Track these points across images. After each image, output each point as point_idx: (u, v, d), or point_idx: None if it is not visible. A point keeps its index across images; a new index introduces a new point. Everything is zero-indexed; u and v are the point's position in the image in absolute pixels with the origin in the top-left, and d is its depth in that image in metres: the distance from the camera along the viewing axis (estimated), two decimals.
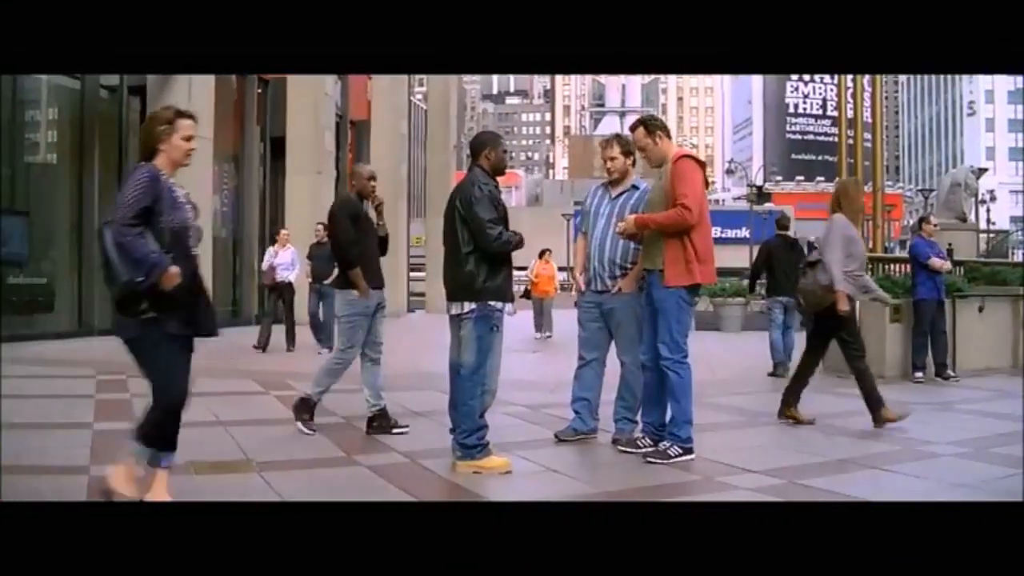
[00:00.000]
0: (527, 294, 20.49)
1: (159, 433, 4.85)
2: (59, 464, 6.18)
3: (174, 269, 4.56)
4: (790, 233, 13.88)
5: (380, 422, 7.58)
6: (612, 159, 7.32)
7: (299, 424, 7.55)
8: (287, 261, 15.71)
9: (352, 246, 7.63)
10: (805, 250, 11.97)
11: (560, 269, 21.26)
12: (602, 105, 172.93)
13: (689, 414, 6.67)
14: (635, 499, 5.62)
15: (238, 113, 23.53)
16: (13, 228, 16.35)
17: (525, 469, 6.36)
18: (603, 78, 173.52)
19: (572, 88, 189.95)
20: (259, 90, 24.41)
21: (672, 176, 6.67)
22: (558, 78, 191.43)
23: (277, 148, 24.68)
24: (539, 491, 5.90)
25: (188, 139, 4.87)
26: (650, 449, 6.76)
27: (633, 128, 7.07)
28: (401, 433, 7.47)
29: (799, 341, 10.63)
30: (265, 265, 16.24)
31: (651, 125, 6.98)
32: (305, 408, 7.65)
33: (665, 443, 6.67)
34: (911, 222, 53.43)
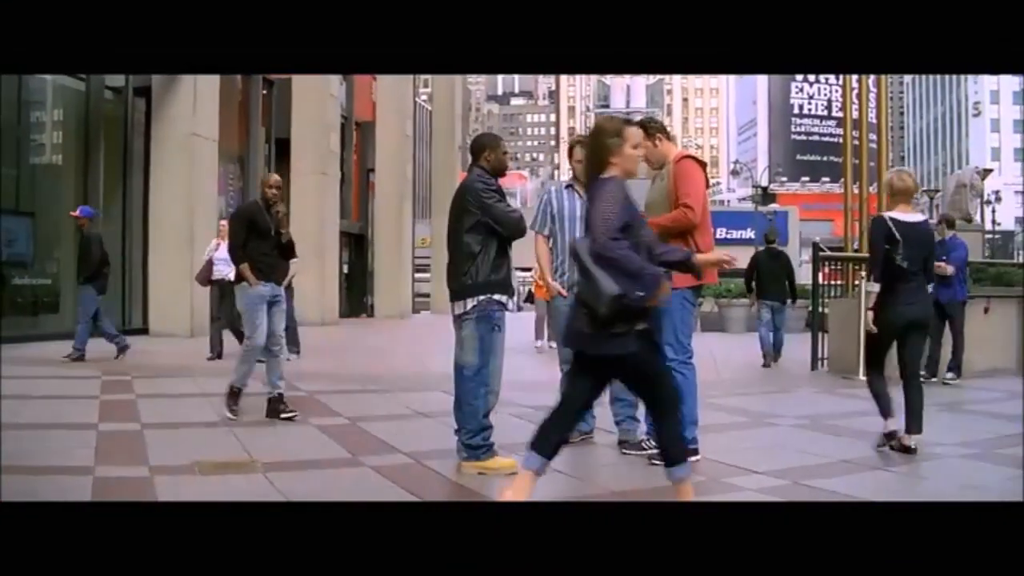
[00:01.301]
0: (530, 297, 19.21)
1: (680, 439, 4.98)
2: (64, 464, 6.19)
3: (667, 282, 4.67)
4: (775, 246, 15.25)
5: (274, 405, 8.29)
6: (579, 163, 7.33)
7: (227, 412, 8.21)
8: (228, 256, 13.74)
9: (238, 248, 8.50)
10: (800, 255, 12.12)
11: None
12: (607, 106, 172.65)
13: (693, 415, 6.66)
14: (640, 500, 5.62)
15: (243, 114, 23.55)
16: (18, 229, 16.39)
17: None
18: (608, 79, 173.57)
19: (577, 89, 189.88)
20: (264, 91, 24.43)
21: (674, 177, 6.68)
22: (563, 79, 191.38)
23: (282, 149, 24.69)
24: (544, 492, 5.88)
25: (636, 147, 4.95)
26: (655, 450, 6.75)
27: None
28: (289, 418, 8.13)
29: (802, 340, 10.60)
30: (206, 257, 14.16)
31: (650, 127, 6.98)
32: (232, 398, 8.30)
33: None
34: None
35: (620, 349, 4.61)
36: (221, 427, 7.79)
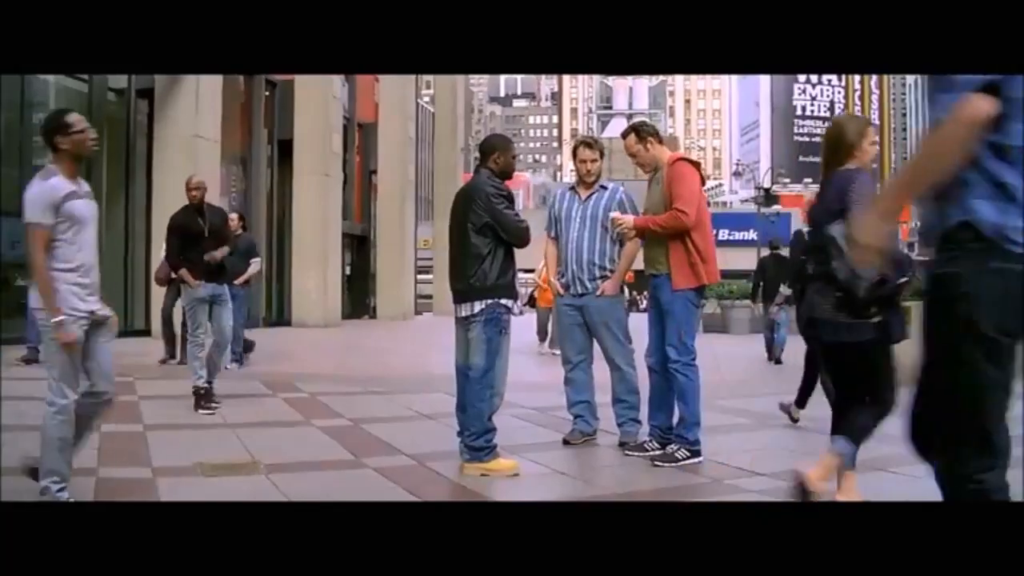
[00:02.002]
0: (532, 301, 18.01)
1: (867, 429, 5.12)
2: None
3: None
4: (781, 251, 15.10)
5: (202, 397, 8.73)
6: (594, 161, 7.37)
7: (201, 412, 8.56)
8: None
9: (175, 256, 9.23)
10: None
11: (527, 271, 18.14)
12: (609, 108, 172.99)
13: (697, 416, 6.66)
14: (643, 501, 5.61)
15: (246, 115, 23.57)
16: (21, 231, 16.36)
17: (533, 471, 6.36)
18: (610, 81, 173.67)
19: (579, 90, 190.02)
20: (267, 92, 24.46)
21: (668, 180, 6.69)
22: (565, 81, 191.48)
23: (285, 150, 24.72)
24: (547, 493, 5.89)
25: (873, 144, 5.15)
26: (657, 452, 6.75)
27: (624, 135, 7.09)
28: (209, 412, 8.54)
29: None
30: (164, 254, 12.47)
31: (642, 131, 7.00)
32: (201, 398, 8.70)
33: (673, 446, 6.66)
34: (919, 224, 53.14)
35: (852, 336, 4.88)
36: (223, 428, 7.79)
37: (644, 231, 6.78)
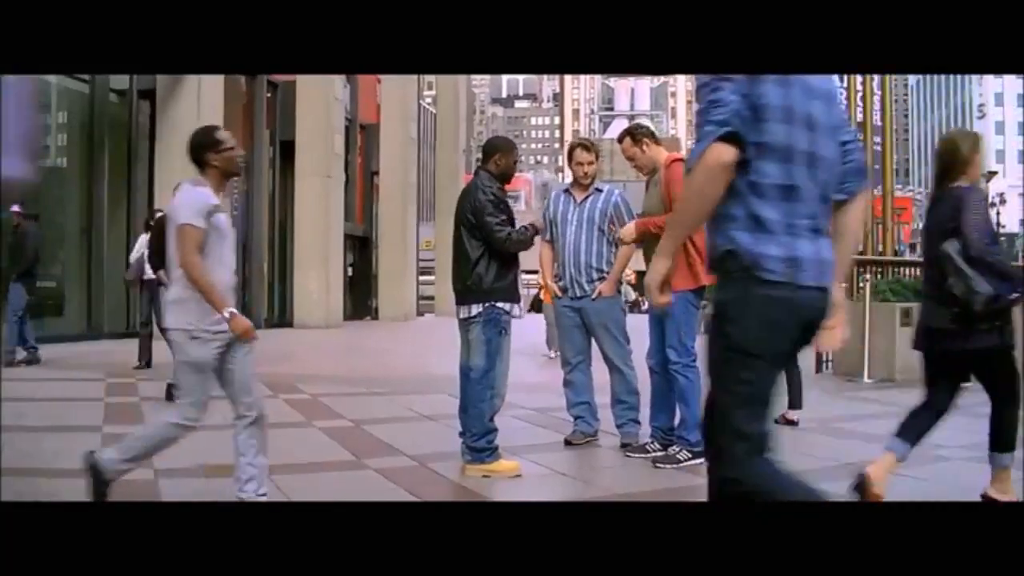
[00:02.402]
0: (537, 305, 16.53)
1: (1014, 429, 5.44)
2: (69, 467, 6.18)
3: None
4: None
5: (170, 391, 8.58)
6: (590, 164, 7.35)
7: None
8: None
9: (155, 255, 9.51)
10: None
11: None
12: (611, 109, 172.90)
13: (698, 418, 6.64)
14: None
15: (248, 117, 23.56)
16: None
17: (535, 472, 6.36)
18: (612, 82, 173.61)
19: (581, 92, 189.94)
20: (268, 94, 24.46)
21: (667, 181, 6.68)
22: (567, 82, 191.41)
23: (287, 151, 24.71)
24: (549, 494, 5.89)
25: (977, 156, 5.37)
26: (659, 453, 6.75)
27: (620, 139, 7.08)
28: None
29: None
30: (134, 256, 12.44)
31: (637, 134, 7.00)
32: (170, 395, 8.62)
33: (674, 447, 6.67)
34: (921, 225, 53.20)
35: (988, 343, 5.21)
36: (226, 430, 7.74)
37: (644, 234, 6.77)
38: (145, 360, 12.09)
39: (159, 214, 11.32)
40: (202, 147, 5.12)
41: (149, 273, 11.32)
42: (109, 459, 5.04)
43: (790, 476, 3.15)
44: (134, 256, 12.37)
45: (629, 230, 6.87)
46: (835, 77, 3.91)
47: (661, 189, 6.72)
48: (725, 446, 3.07)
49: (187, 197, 5.08)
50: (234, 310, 4.93)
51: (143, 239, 12.00)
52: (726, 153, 2.85)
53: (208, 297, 4.88)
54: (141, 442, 5.15)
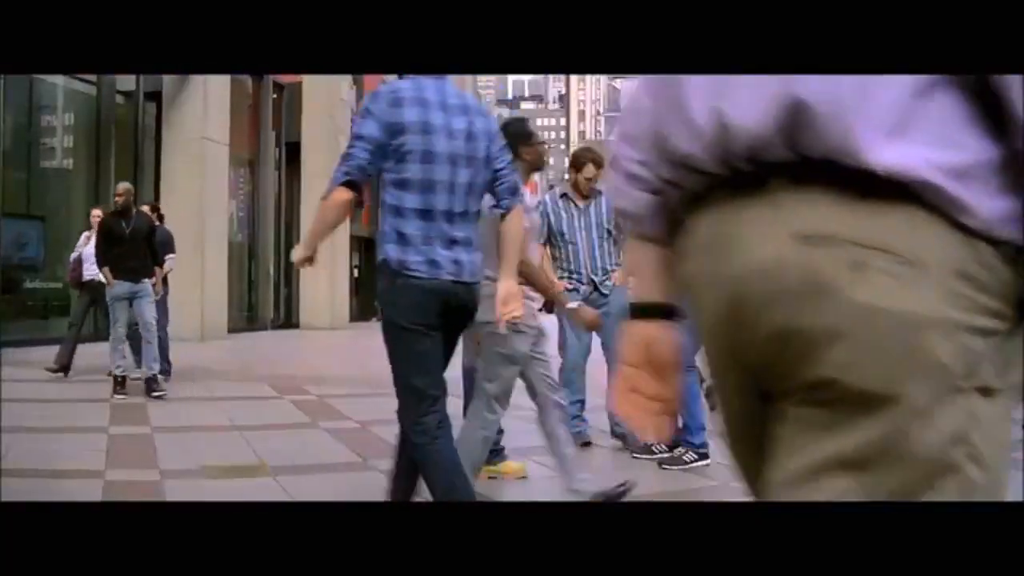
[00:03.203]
0: (549, 306, 14.77)
1: None
2: (74, 468, 6.20)
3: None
4: None
5: (148, 384, 9.63)
6: (589, 180, 7.41)
7: (115, 397, 9.41)
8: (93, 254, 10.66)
9: (100, 255, 9.97)
10: None
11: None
12: (617, 110, 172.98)
13: (701, 421, 6.66)
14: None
15: (254, 118, 23.60)
16: (29, 233, 16.44)
17: (540, 474, 6.35)
18: (618, 83, 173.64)
19: (587, 93, 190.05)
20: (275, 95, 24.49)
21: None
22: (573, 83, 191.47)
23: (293, 153, 24.75)
24: (555, 496, 5.88)
25: None
26: (665, 455, 6.74)
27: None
28: (158, 396, 9.44)
29: None
30: (75, 255, 11.88)
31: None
32: (116, 385, 9.62)
33: (680, 449, 6.66)
34: None
35: None
36: (231, 431, 7.80)
37: None
38: (63, 364, 11.13)
39: (96, 212, 11.57)
40: (516, 138, 5.24)
41: (89, 273, 11.10)
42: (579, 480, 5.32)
43: (453, 455, 4.39)
44: (74, 255, 11.87)
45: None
46: (490, 120, 4.17)
47: None
48: (401, 398, 4.29)
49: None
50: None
51: (82, 238, 11.73)
52: (346, 195, 3.91)
53: (537, 282, 5.32)
54: (467, 458, 5.17)
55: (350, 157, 3.91)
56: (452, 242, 4.02)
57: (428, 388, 4.20)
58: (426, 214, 3.96)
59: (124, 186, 10.27)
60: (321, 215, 4.06)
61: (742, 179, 1.35)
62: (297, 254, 4.19)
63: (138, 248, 9.96)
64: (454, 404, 7.17)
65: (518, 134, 5.26)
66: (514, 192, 4.25)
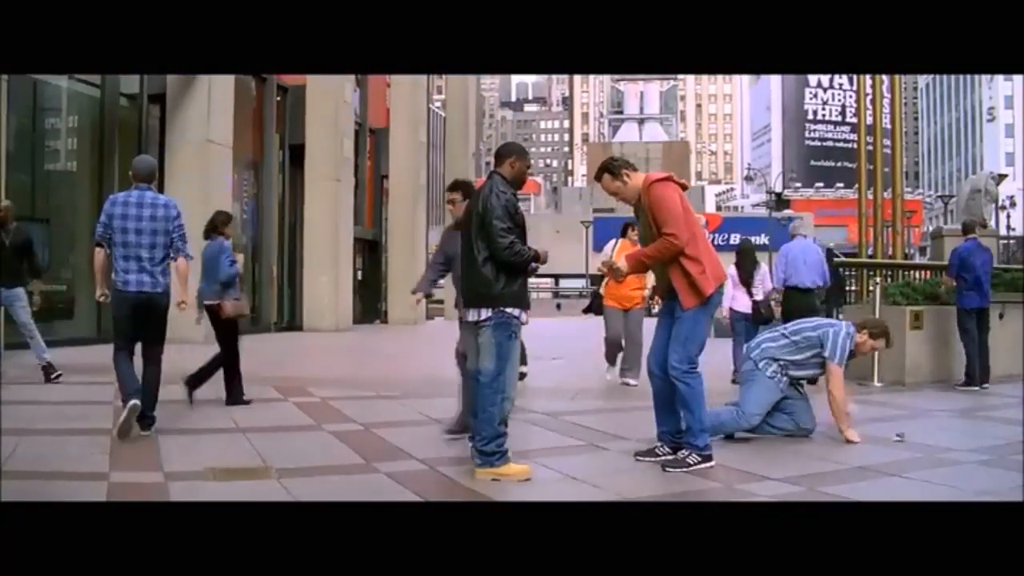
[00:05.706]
0: (596, 305, 12.38)
1: None
2: (78, 470, 6.20)
3: None
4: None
5: (45, 372, 10.72)
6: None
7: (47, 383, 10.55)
8: None
9: None
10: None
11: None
12: (620, 112, 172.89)
13: (703, 423, 6.66)
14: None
15: (258, 120, 23.60)
16: (33, 235, 16.43)
17: (545, 477, 6.35)
18: (621, 85, 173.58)
19: (591, 95, 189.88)
20: (278, 98, 24.48)
21: (649, 206, 6.67)
22: (576, 85, 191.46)
23: (296, 155, 24.73)
24: (558, 498, 5.88)
25: None
26: (669, 457, 6.74)
27: (598, 177, 7.06)
28: (55, 379, 10.73)
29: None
30: None
31: (613, 168, 6.94)
32: (46, 374, 10.75)
33: (683, 451, 6.66)
34: (931, 228, 53.23)
35: None
36: (235, 433, 7.80)
37: (637, 266, 6.88)
38: None
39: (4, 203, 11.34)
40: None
41: None
42: None
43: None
44: None
45: (622, 266, 6.90)
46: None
47: (648, 215, 6.71)
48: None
49: None
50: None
51: None
52: (101, 253, 7.40)
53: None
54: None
55: (106, 225, 7.29)
56: (141, 270, 7.43)
57: (119, 340, 7.72)
58: (128, 258, 7.43)
59: (6, 204, 11.11)
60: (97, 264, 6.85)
61: None
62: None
63: (10, 262, 10.69)
64: (449, 389, 7.19)
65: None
66: (180, 250, 7.98)
